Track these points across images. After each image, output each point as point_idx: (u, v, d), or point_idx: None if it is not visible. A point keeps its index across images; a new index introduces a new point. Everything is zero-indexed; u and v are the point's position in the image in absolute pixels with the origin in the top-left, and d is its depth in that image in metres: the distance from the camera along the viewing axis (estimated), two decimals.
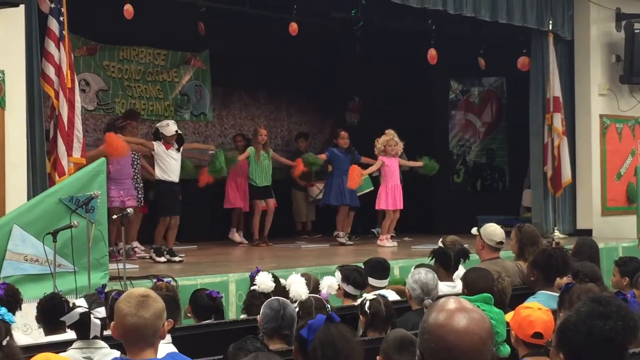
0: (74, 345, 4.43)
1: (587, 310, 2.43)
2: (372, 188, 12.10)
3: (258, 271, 6.27)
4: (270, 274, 6.05)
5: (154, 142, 9.89)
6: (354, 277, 6.31)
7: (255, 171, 11.76)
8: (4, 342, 3.82)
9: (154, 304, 3.49)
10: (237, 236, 12.15)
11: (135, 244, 10.18)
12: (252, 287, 6.01)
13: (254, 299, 5.81)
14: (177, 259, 9.57)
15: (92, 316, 4.40)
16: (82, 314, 4.43)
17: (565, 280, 5.93)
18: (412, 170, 12.54)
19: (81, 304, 4.57)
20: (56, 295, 5.41)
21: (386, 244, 11.52)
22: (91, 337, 4.39)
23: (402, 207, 11.68)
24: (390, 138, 11.62)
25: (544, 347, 4.26)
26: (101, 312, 4.48)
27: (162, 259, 9.59)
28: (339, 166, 12.00)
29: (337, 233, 11.95)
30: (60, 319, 4.60)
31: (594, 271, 6.25)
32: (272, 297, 4.95)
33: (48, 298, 5.34)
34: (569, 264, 6.18)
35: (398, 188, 11.69)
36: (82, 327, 4.43)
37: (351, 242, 11.95)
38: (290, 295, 5.46)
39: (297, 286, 5.58)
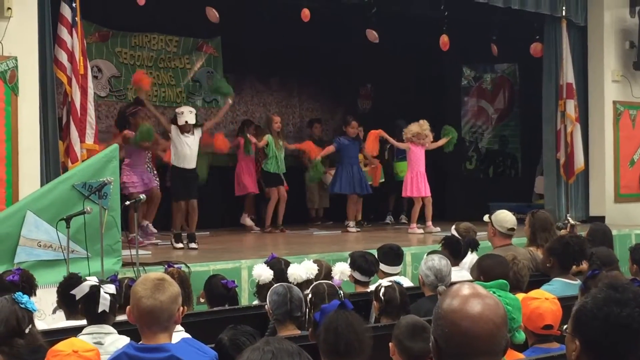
0: (84, 330, 4.43)
1: (604, 296, 2.41)
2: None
3: (273, 257, 6.27)
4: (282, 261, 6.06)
5: (172, 125, 9.90)
6: (359, 264, 6.33)
7: (272, 159, 11.75)
8: (27, 330, 3.85)
9: (170, 288, 3.51)
10: (248, 221, 12.14)
11: (146, 222, 10.10)
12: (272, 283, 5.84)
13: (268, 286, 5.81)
14: (194, 245, 9.58)
15: (101, 290, 4.41)
16: (92, 287, 4.44)
17: (582, 267, 5.93)
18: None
19: (91, 279, 4.59)
20: (75, 276, 5.34)
21: (416, 231, 11.48)
22: (100, 310, 4.39)
23: (428, 195, 11.64)
24: (421, 131, 11.56)
25: (552, 335, 4.26)
26: (111, 288, 4.49)
27: (180, 245, 9.62)
28: (348, 154, 12.00)
29: (347, 223, 11.94)
30: (71, 292, 4.60)
31: (608, 254, 6.24)
32: (275, 284, 4.96)
33: (67, 279, 5.28)
34: (586, 251, 6.16)
35: (422, 175, 11.67)
36: (91, 302, 4.43)
37: (359, 229, 11.95)
38: (290, 280, 5.48)
39: (293, 269, 5.65)
